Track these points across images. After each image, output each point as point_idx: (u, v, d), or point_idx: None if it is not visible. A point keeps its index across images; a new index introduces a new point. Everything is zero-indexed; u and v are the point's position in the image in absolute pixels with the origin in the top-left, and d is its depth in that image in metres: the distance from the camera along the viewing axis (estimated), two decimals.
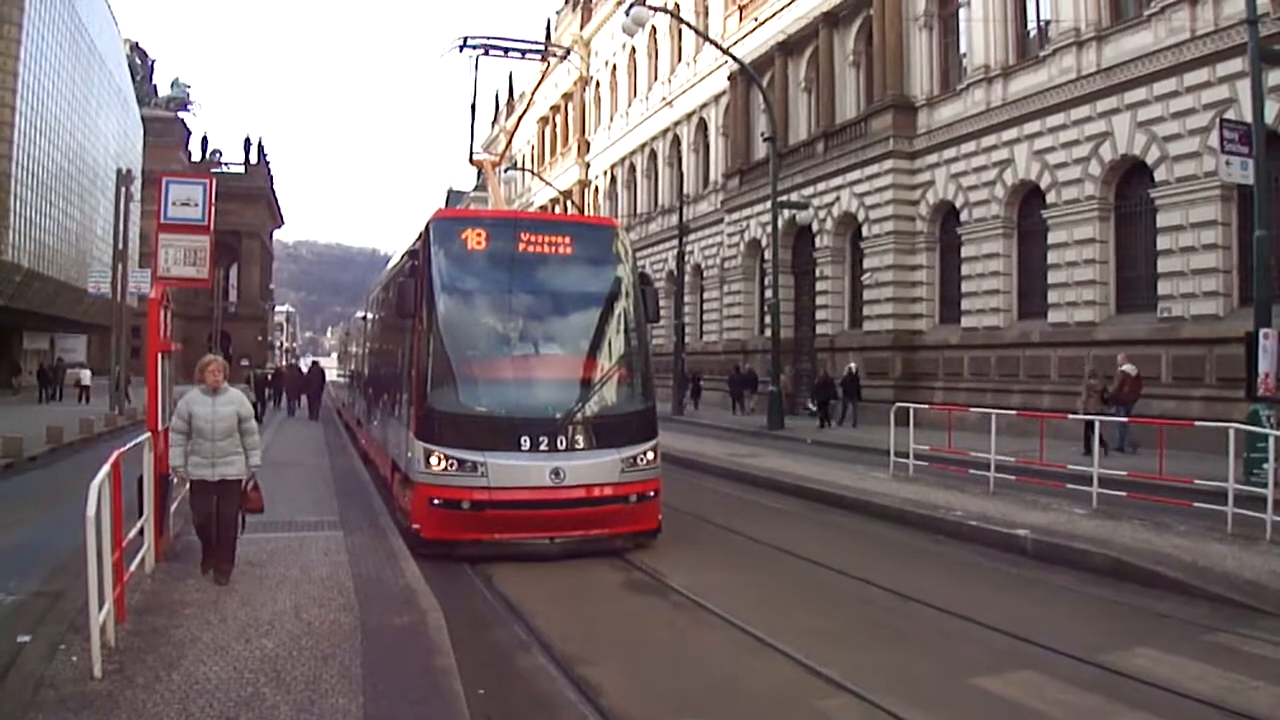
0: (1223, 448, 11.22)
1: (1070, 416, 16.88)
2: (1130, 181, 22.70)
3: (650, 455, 10.79)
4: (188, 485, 8.58)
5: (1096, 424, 16.62)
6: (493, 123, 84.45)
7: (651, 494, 10.80)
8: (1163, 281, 21.17)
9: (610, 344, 11.21)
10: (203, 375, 8.39)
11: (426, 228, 11.13)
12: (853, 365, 29.14)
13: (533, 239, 10.99)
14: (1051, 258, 24.26)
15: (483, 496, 9.94)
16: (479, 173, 60.03)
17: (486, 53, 14.24)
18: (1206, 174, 19.69)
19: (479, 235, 10.82)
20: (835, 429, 27.39)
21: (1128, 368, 19.57)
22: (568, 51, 16.27)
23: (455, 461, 9.99)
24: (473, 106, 15.20)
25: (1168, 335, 20.84)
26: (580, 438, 10.35)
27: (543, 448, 10.10)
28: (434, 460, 10.06)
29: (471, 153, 16.11)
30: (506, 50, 14.49)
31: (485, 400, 10.45)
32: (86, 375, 46.64)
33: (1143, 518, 11.53)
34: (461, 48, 14.01)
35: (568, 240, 11.25)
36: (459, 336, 10.64)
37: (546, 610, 8.29)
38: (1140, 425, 16.94)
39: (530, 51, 15.19)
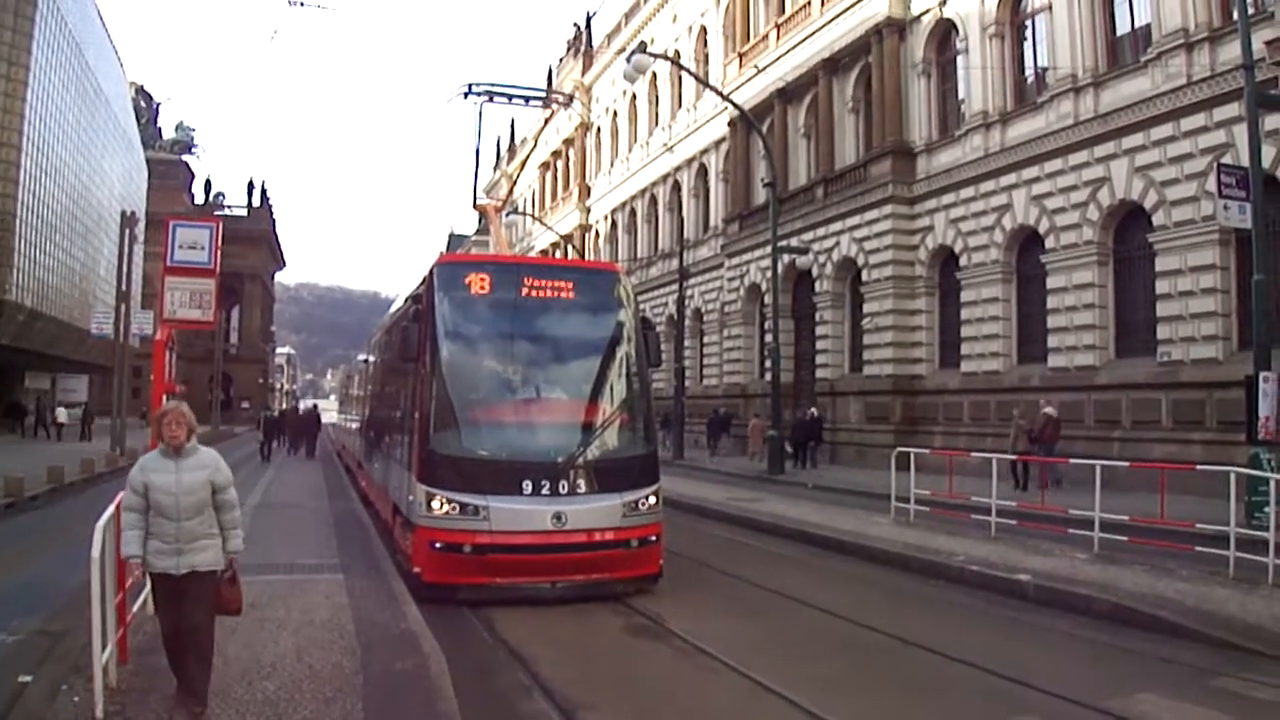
0: (1224, 491, 11.24)
1: (1071, 460, 16.86)
2: (1129, 226, 22.82)
3: (652, 499, 10.79)
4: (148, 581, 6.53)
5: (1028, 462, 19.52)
6: (494, 167, 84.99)
7: (653, 538, 10.78)
8: (1162, 326, 21.22)
9: (612, 388, 11.26)
10: (160, 430, 6.15)
11: (431, 272, 11.23)
12: (814, 410, 30.45)
13: (536, 284, 11.06)
14: (1051, 302, 24.35)
15: (484, 540, 9.92)
16: (480, 217, 60.40)
17: (491, 99, 14.43)
18: (1204, 218, 19.79)
19: (482, 280, 10.90)
20: (804, 470, 27.99)
21: (1049, 410, 21.43)
22: (570, 98, 16.46)
23: (457, 505, 9.99)
24: (476, 152, 15.42)
25: (1167, 379, 20.87)
26: (582, 482, 10.34)
27: (544, 492, 10.10)
28: (436, 504, 10.06)
29: (475, 197, 16.27)
30: (510, 97, 14.70)
31: (487, 444, 10.47)
32: (63, 413, 49.03)
33: (1144, 562, 11.51)
34: (466, 94, 14.21)
35: (570, 285, 11.32)
36: (462, 380, 10.70)
37: (548, 655, 8.28)
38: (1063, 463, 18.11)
39: (533, 98, 15.40)
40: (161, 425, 6.10)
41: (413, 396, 11.38)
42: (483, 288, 10.87)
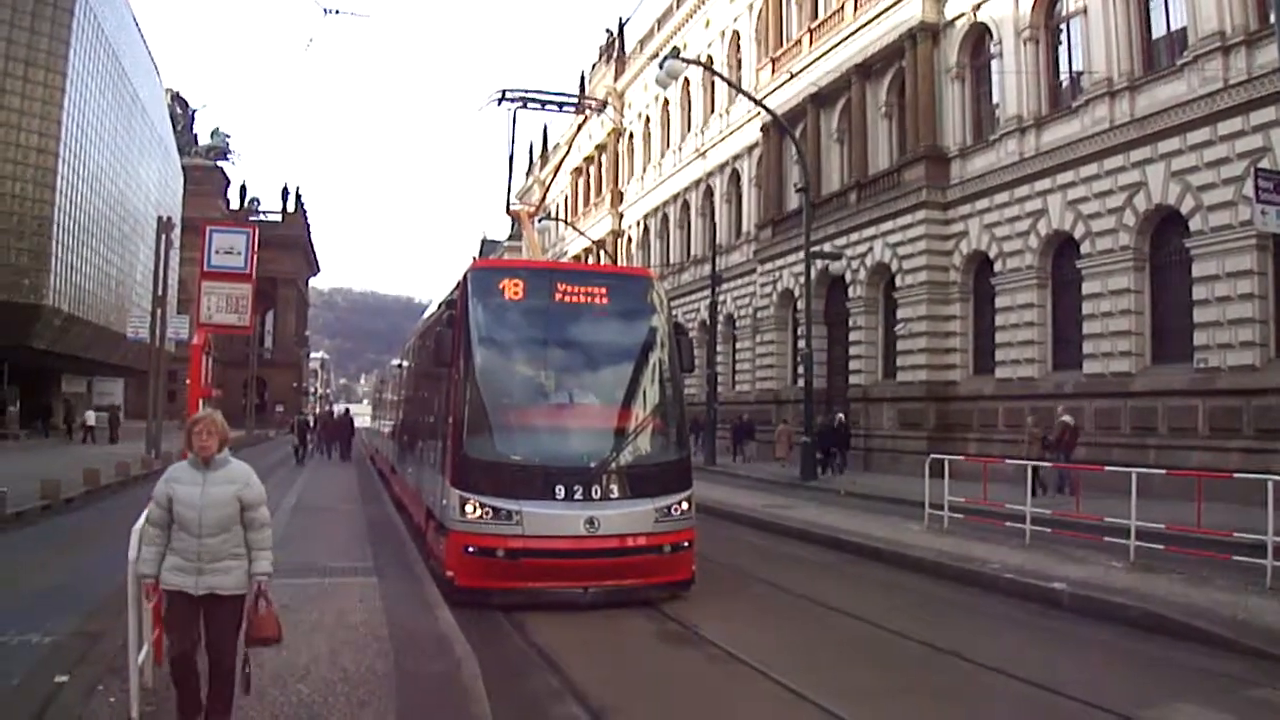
0: (1262, 500, 11.09)
1: (1106, 469, 16.70)
2: (1165, 231, 22.60)
3: (684, 505, 10.77)
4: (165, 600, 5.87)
5: (1042, 469, 18.23)
6: (527, 173, 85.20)
7: (685, 544, 10.76)
8: (1199, 332, 21.00)
9: (645, 394, 11.26)
10: (190, 439, 5.70)
11: (465, 278, 11.28)
12: (841, 416, 30.37)
13: (569, 289, 11.09)
14: (1086, 308, 24.16)
15: (518, 545, 9.95)
16: (514, 222, 60.61)
17: (524, 105, 14.48)
18: (1242, 223, 19.56)
19: (516, 285, 10.93)
20: (834, 476, 27.86)
21: (1066, 418, 21.41)
22: (603, 104, 16.46)
23: (490, 509, 10.02)
24: (509, 157, 15.42)
25: (1204, 386, 20.65)
26: (615, 487, 10.34)
27: (577, 497, 10.11)
28: (469, 508, 10.10)
29: (508, 203, 16.32)
30: (543, 103, 14.73)
31: (521, 449, 10.49)
32: (92, 416, 49.91)
33: (1181, 571, 11.38)
34: (499, 101, 14.27)
35: (604, 291, 11.33)
36: (496, 385, 10.74)
37: (580, 660, 8.30)
38: (1081, 470, 17.91)
39: (566, 104, 15.43)
40: (192, 434, 5.66)
41: (446, 401, 11.41)
42: (516, 293, 10.91)
